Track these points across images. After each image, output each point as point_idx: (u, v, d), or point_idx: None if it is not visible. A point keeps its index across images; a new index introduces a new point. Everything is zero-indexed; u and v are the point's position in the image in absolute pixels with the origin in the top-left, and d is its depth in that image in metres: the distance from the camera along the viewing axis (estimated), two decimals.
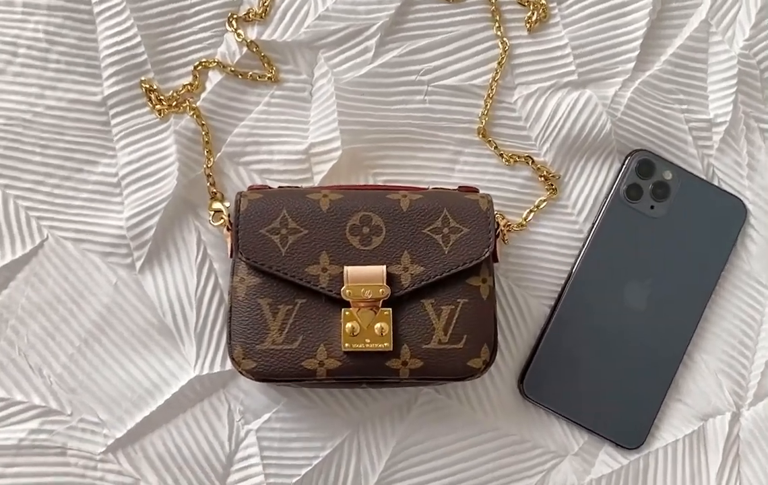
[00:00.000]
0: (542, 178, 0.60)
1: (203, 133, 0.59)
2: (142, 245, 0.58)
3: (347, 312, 0.53)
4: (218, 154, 0.59)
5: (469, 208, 0.55)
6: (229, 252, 0.56)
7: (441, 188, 0.57)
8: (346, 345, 0.53)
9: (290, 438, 0.58)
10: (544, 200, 0.60)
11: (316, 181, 0.59)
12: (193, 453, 0.57)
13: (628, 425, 0.59)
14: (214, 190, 0.58)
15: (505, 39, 0.60)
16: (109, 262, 0.58)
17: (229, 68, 0.59)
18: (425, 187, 0.57)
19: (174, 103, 0.59)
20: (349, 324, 0.53)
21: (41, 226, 0.58)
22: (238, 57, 0.60)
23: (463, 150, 0.61)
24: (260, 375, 0.53)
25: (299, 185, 0.58)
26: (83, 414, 0.57)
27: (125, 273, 0.58)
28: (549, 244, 0.61)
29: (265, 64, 0.60)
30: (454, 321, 0.54)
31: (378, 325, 0.53)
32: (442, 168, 0.60)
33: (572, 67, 0.61)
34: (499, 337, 0.59)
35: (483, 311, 0.54)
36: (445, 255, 0.54)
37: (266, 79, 0.60)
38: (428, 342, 0.53)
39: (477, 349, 0.54)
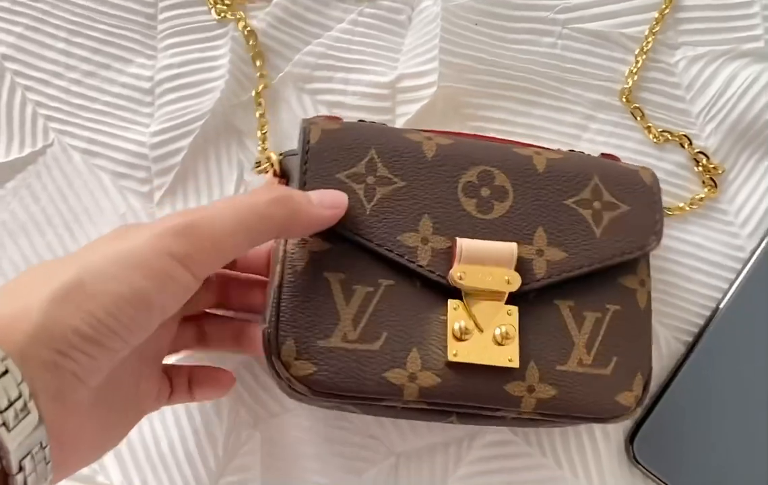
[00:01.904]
0: (700, 169, 0.46)
1: (256, 62, 0.47)
2: (167, 171, 0.45)
3: (456, 306, 0.38)
4: (279, 75, 0.47)
5: (629, 180, 0.41)
6: None
7: (580, 152, 0.43)
8: (453, 354, 0.37)
9: (301, 455, 0.43)
10: (701, 198, 0.45)
11: (398, 124, 0.46)
12: (179, 455, 0.42)
13: None
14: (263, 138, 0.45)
15: None
16: (121, 186, 0.45)
17: None
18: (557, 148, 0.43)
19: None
20: (458, 324, 0.37)
21: (48, 126, 0.46)
22: None
23: (596, 114, 0.48)
24: (320, 386, 0.37)
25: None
26: None
27: (138, 202, 0.45)
28: (698, 260, 0.46)
29: None
30: (600, 335, 0.39)
31: (500, 330, 0.37)
32: (566, 132, 0.47)
33: (759, 32, 0.48)
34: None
35: (639, 325, 0.40)
36: (596, 239, 0.40)
37: None
38: (564, 363, 0.38)
39: (629, 379, 0.39)
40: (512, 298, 0.38)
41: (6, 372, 0.26)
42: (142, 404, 0.36)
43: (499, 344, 0.37)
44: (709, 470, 0.43)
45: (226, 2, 0.48)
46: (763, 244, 0.46)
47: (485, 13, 0.48)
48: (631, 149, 0.47)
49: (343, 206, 0.37)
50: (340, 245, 0.38)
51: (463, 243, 0.38)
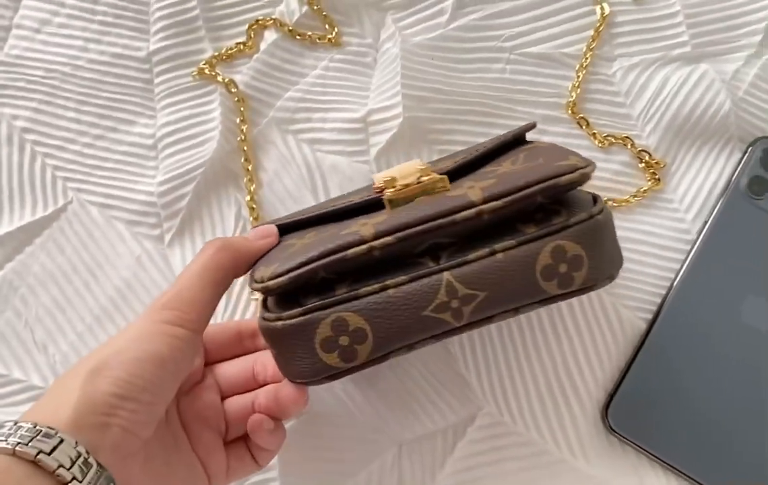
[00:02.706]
0: (643, 165, 0.50)
1: (240, 109, 0.52)
2: (174, 215, 0.51)
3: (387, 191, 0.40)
4: (265, 120, 0.53)
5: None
6: None
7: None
8: (388, 194, 0.39)
9: (310, 458, 0.48)
10: (645, 191, 0.50)
11: (372, 153, 0.51)
12: None
13: (738, 473, 0.46)
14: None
15: (604, 4, 0.52)
16: (135, 232, 0.51)
17: (286, 28, 0.53)
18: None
19: (217, 66, 0.53)
20: (387, 179, 0.39)
21: (67, 187, 0.52)
22: (297, 16, 0.54)
23: (547, 128, 0.52)
24: (289, 278, 0.36)
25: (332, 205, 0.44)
26: None
27: (151, 245, 0.51)
28: (649, 245, 0.50)
29: (326, 26, 0.53)
30: (521, 157, 0.40)
31: (421, 169, 0.39)
32: None
33: (685, 38, 0.52)
34: (583, 357, 0.48)
35: (557, 150, 0.40)
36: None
37: (327, 40, 0.53)
38: (496, 171, 0.39)
39: (563, 157, 0.38)
40: None
41: (61, 441, 0.32)
42: (210, 474, 0.42)
43: (429, 176, 0.39)
44: (681, 429, 0.47)
45: (210, 62, 0.53)
46: (706, 226, 0.50)
47: (440, 48, 0.53)
48: (582, 155, 0.52)
49: (275, 234, 0.43)
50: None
51: (377, 175, 0.41)
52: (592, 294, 0.49)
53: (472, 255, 0.36)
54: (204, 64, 0.53)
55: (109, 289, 0.51)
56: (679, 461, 0.46)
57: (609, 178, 0.51)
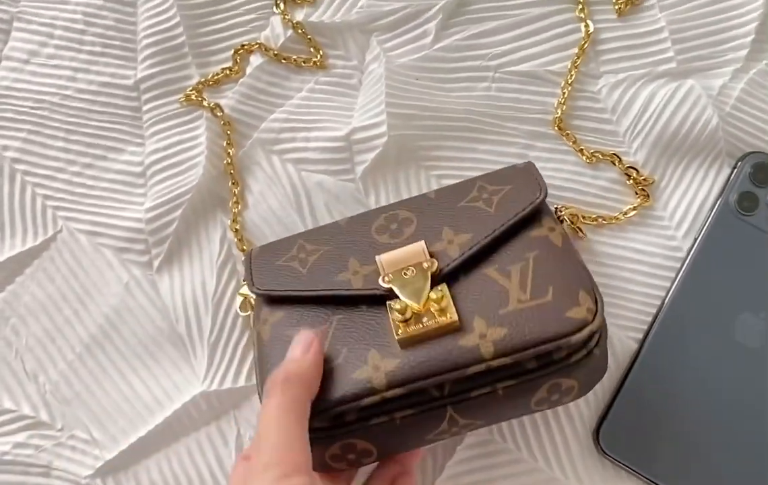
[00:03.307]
0: (631, 182, 0.50)
1: (227, 133, 0.53)
2: (162, 241, 0.51)
3: (393, 302, 0.41)
4: (249, 142, 0.53)
5: (504, 172, 0.46)
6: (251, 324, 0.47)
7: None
8: (400, 333, 0.40)
9: None
10: (634, 208, 0.49)
11: (358, 172, 0.51)
12: None
13: None
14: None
15: (588, 21, 0.52)
16: (123, 259, 0.51)
17: (272, 52, 0.53)
18: None
19: (204, 92, 0.53)
20: (397, 308, 0.41)
21: (57, 216, 0.52)
22: (282, 40, 0.54)
23: (534, 143, 0.52)
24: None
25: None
26: (74, 430, 0.49)
27: (139, 272, 0.51)
28: (639, 263, 0.50)
29: (312, 49, 0.54)
30: (530, 275, 0.41)
31: (434, 295, 0.41)
32: (507, 162, 0.51)
33: (670, 54, 0.52)
34: None
35: (563, 258, 0.42)
36: (492, 214, 0.44)
37: (312, 63, 0.53)
38: (506, 306, 0.40)
39: (572, 296, 0.40)
40: (443, 281, 0.42)
41: None
42: None
43: (438, 310, 0.40)
44: (673, 451, 0.46)
45: (197, 88, 0.54)
46: (697, 243, 0.49)
47: (425, 68, 0.53)
48: (568, 171, 0.51)
49: (311, 339, 0.41)
50: (293, 307, 0.44)
51: (382, 257, 0.43)
52: None
53: (474, 393, 0.40)
54: (191, 90, 0.53)
55: (99, 317, 0.51)
56: (671, 483, 0.46)
57: (597, 194, 0.50)
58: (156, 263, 0.51)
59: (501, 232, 0.43)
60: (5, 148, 0.53)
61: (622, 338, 0.49)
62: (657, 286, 0.49)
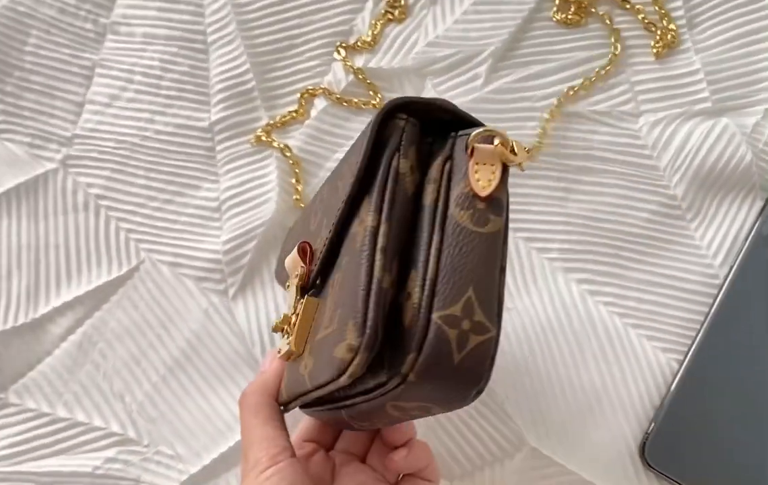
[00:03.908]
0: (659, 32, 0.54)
1: (295, 171, 0.57)
2: (237, 270, 0.56)
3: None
4: (317, 180, 0.57)
5: (364, 131, 0.38)
6: None
7: None
8: (279, 352, 0.42)
9: None
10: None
11: None
12: None
13: None
14: None
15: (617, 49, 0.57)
16: (202, 288, 0.56)
17: (334, 96, 0.58)
18: None
19: (272, 133, 0.58)
20: (280, 324, 0.42)
21: (139, 248, 0.57)
22: (344, 85, 0.58)
23: (580, 177, 0.56)
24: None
25: None
26: (160, 446, 0.54)
27: (217, 299, 0.56)
28: (679, 289, 0.54)
29: (371, 92, 0.58)
30: (337, 289, 0.37)
31: (292, 322, 0.40)
32: (556, 197, 0.55)
33: (705, 94, 0.56)
34: (615, 395, 0.51)
35: (357, 268, 0.34)
36: (339, 198, 0.38)
37: (371, 105, 0.58)
38: (320, 331, 0.37)
39: (343, 328, 0.34)
40: (315, 289, 0.41)
41: None
42: None
43: (291, 331, 0.40)
44: (717, 468, 0.50)
45: (266, 130, 0.59)
46: (732, 270, 0.53)
47: (477, 109, 0.56)
48: (610, 203, 0.55)
49: (273, 355, 0.44)
50: None
51: (287, 260, 0.43)
52: (624, 336, 0.53)
53: (345, 404, 0.38)
54: (260, 132, 0.58)
55: (180, 341, 0.55)
56: None
57: (642, 224, 0.54)
58: (232, 291, 0.56)
59: (334, 229, 0.38)
60: (90, 185, 0.58)
61: (664, 359, 0.53)
62: (696, 311, 0.53)
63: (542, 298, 0.54)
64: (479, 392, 0.34)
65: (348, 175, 0.37)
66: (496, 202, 0.34)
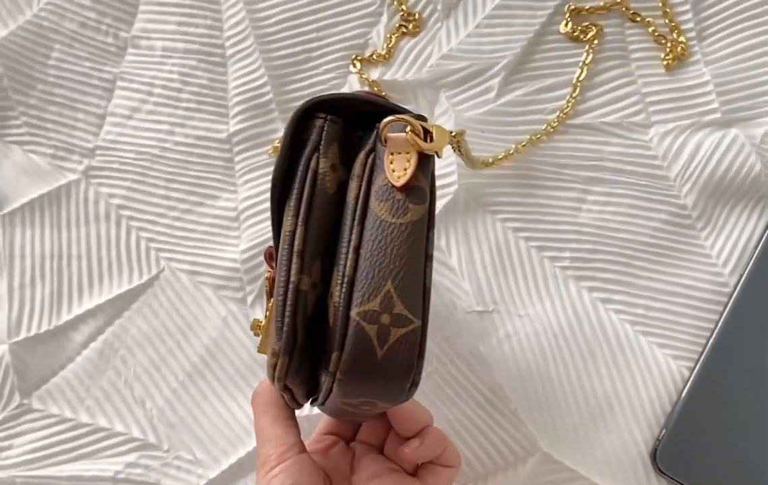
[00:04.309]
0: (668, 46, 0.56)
1: None
2: (255, 279, 0.57)
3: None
4: None
5: None
6: None
7: None
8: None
9: None
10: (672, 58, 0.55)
11: None
12: None
13: None
14: None
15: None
16: (221, 295, 0.57)
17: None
18: None
19: None
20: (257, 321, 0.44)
21: (159, 257, 0.58)
22: None
23: (590, 188, 0.57)
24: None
25: None
26: (179, 451, 0.55)
27: (236, 307, 0.57)
28: (689, 298, 0.54)
29: None
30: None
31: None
32: (567, 206, 0.56)
33: (715, 105, 0.56)
34: (627, 401, 0.52)
35: (279, 273, 0.36)
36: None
37: None
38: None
39: (272, 334, 0.35)
40: None
41: None
42: None
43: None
44: (728, 472, 0.51)
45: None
46: (742, 279, 0.54)
47: (490, 121, 0.58)
48: (624, 213, 0.56)
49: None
50: None
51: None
52: (635, 344, 0.54)
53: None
54: (278, 143, 0.59)
55: (199, 348, 0.57)
56: None
57: (653, 234, 0.55)
58: (250, 299, 0.57)
59: (274, 234, 0.39)
60: (112, 195, 0.59)
61: (675, 366, 0.53)
62: (706, 319, 0.54)
63: (554, 306, 0.55)
64: (414, 384, 0.34)
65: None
66: (416, 191, 0.33)
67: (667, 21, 0.58)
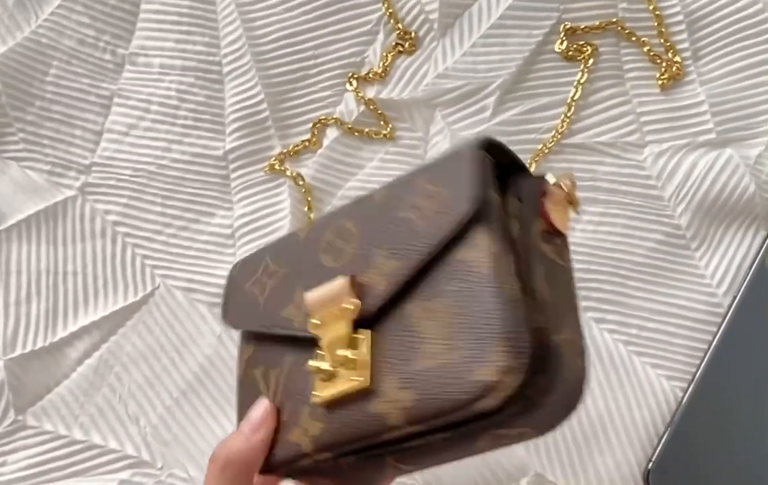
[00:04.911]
0: (663, 66, 0.55)
1: (307, 199, 0.58)
2: None
3: (319, 352, 0.38)
4: (328, 207, 0.59)
5: (452, 162, 0.38)
6: None
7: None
8: (315, 395, 0.37)
9: None
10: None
11: None
12: None
13: None
14: None
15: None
16: (215, 313, 0.57)
17: (346, 126, 0.59)
18: None
19: (285, 161, 0.59)
20: (314, 367, 0.38)
21: (155, 274, 0.58)
22: (356, 115, 0.60)
23: (585, 208, 0.57)
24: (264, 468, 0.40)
25: None
26: (173, 469, 0.55)
27: None
28: (683, 318, 0.54)
29: (382, 122, 0.59)
30: (445, 318, 0.35)
31: (350, 356, 0.37)
32: None
33: (710, 125, 0.56)
34: (620, 421, 0.52)
35: (486, 290, 0.34)
36: (421, 230, 0.37)
37: (382, 135, 0.59)
38: (416, 361, 0.35)
39: (482, 350, 0.33)
40: (371, 323, 0.38)
41: None
42: None
43: (352, 367, 0.37)
44: None
45: (279, 158, 0.60)
46: (736, 300, 0.54)
47: None
48: (618, 233, 0.55)
49: (263, 418, 0.40)
50: (258, 342, 0.43)
51: (309, 297, 0.39)
52: (628, 363, 0.53)
53: (407, 444, 0.37)
54: (274, 160, 0.59)
55: (194, 365, 0.57)
56: None
57: (647, 254, 0.55)
58: None
59: (428, 256, 0.36)
60: (108, 212, 0.60)
61: (668, 387, 0.53)
62: (700, 339, 0.54)
63: None
64: (574, 410, 0.35)
65: (431, 208, 0.37)
66: (566, 240, 0.38)
67: (662, 41, 0.58)
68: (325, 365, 0.37)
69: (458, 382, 0.33)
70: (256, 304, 0.42)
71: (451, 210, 0.36)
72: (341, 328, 0.38)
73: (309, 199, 0.59)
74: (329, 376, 0.37)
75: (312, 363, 0.38)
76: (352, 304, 0.38)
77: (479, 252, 0.35)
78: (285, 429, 0.39)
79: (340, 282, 0.38)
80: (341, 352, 0.37)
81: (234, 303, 0.44)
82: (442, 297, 0.35)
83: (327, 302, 0.38)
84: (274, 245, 0.45)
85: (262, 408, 0.41)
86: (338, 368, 0.37)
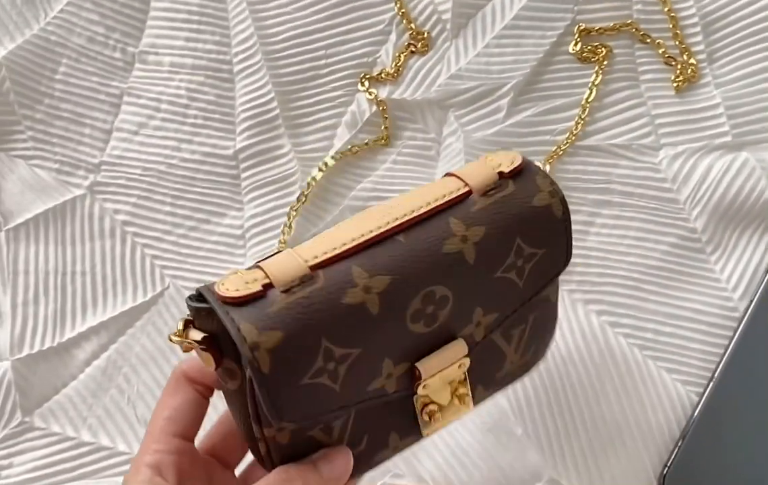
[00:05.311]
0: (678, 68, 0.55)
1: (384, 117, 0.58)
2: None
3: (422, 396, 0.42)
4: (339, 209, 0.58)
5: (543, 222, 0.43)
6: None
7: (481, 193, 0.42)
8: (426, 433, 0.43)
9: None
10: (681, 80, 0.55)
11: None
12: None
13: None
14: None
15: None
16: None
17: (338, 155, 0.58)
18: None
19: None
20: (427, 410, 0.42)
21: (164, 274, 0.58)
22: (367, 115, 0.59)
23: (599, 211, 0.56)
24: None
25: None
26: None
27: None
28: (698, 322, 0.54)
29: (383, 127, 0.59)
30: (525, 336, 0.45)
31: (458, 395, 0.43)
32: (576, 230, 0.55)
33: (725, 128, 0.56)
34: (635, 426, 0.52)
35: (551, 315, 0.47)
36: (521, 289, 0.43)
37: (381, 142, 0.59)
38: (501, 369, 0.45)
39: (544, 350, 0.48)
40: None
41: None
42: None
43: (458, 399, 0.43)
44: None
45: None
46: (752, 304, 0.53)
47: (499, 142, 0.58)
48: (632, 236, 0.55)
49: (349, 469, 0.40)
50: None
51: (421, 367, 0.41)
52: (643, 367, 0.53)
53: None
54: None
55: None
56: None
57: (661, 257, 0.55)
58: None
59: (522, 304, 0.44)
60: (117, 212, 0.59)
61: (684, 391, 0.53)
62: (716, 344, 0.53)
63: (562, 330, 0.54)
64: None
65: (534, 269, 0.43)
66: None
67: (677, 43, 0.58)
68: (436, 409, 0.42)
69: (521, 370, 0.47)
70: (330, 393, 0.38)
71: (551, 269, 0.44)
72: (453, 374, 0.42)
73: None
74: (439, 409, 0.43)
75: (426, 409, 0.42)
76: (465, 363, 0.42)
77: (554, 292, 0.46)
78: (369, 454, 0.42)
79: (457, 348, 0.42)
80: (460, 391, 0.43)
81: (288, 400, 0.37)
82: (521, 325, 0.45)
83: (440, 365, 0.41)
84: (325, 323, 0.38)
85: (346, 459, 0.40)
86: (450, 404, 0.43)
